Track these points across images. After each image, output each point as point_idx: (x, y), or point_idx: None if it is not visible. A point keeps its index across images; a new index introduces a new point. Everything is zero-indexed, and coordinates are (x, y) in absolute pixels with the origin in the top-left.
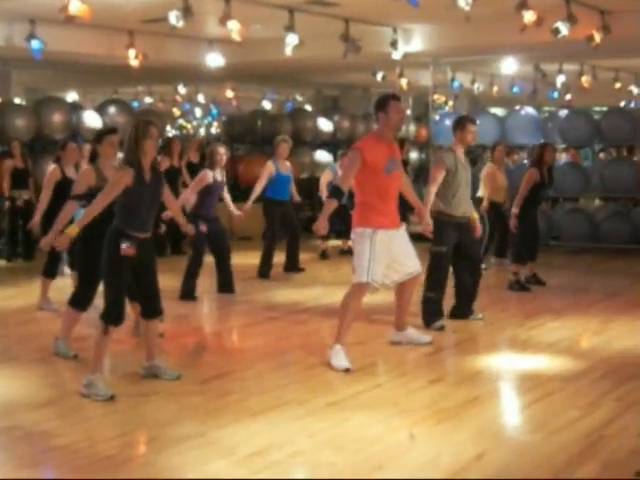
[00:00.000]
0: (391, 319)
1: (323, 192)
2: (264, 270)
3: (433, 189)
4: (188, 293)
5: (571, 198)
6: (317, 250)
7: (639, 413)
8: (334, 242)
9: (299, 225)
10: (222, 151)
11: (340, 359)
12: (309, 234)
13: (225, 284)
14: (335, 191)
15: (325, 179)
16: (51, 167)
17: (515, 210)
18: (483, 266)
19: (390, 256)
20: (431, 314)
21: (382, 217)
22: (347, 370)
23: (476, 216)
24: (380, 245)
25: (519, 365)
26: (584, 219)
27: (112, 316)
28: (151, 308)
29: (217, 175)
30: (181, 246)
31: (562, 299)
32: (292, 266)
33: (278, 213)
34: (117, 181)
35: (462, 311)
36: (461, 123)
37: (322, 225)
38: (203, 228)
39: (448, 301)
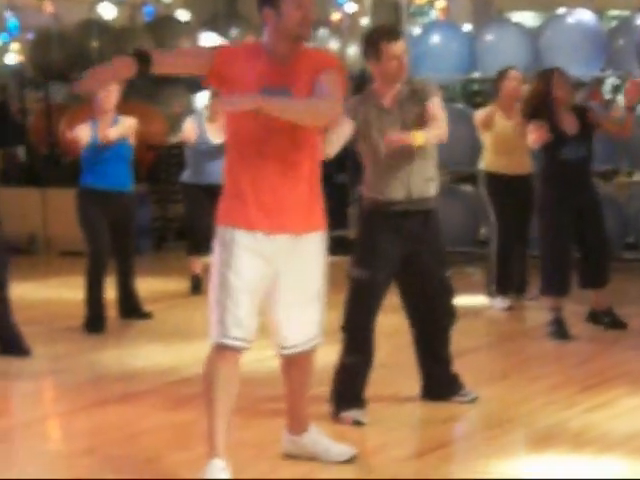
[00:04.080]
0: None
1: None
2: (92, 318)
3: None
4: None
5: None
6: (187, 275)
7: None
8: None
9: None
10: None
11: None
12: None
13: None
14: None
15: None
16: None
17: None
18: (502, 301)
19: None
20: (342, 395)
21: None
22: None
23: None
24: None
25: (569, 474)
26: None
27: None
28: None
29: None
30: None
31: None
32: (130, 308)
33: (97, 213)
34: None
35: (438, 388)
36: (372, 42)
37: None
38: None
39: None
